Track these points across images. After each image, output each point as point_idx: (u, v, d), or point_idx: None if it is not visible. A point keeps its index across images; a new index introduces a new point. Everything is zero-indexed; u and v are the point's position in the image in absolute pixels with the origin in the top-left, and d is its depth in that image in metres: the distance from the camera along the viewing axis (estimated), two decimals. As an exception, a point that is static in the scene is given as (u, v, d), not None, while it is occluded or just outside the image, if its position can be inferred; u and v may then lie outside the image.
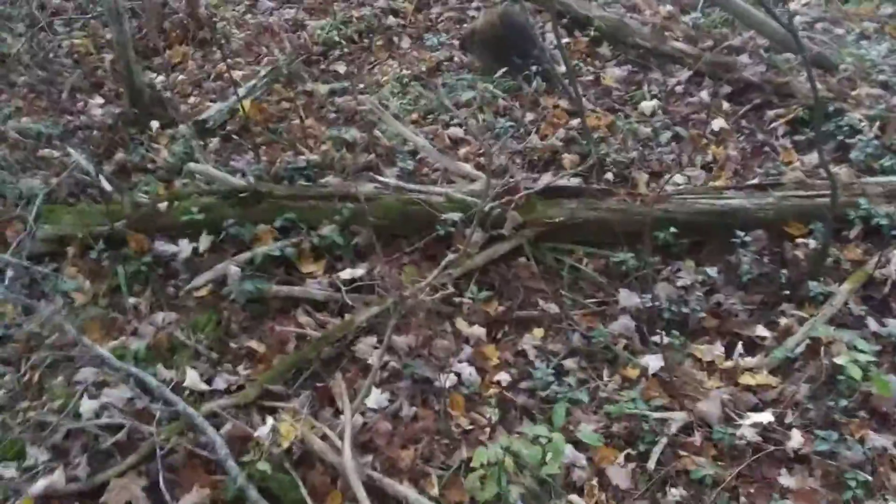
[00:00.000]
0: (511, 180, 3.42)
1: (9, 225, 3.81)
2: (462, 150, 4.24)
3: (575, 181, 3.80)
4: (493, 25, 4.95)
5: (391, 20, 5.76)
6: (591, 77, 4.87)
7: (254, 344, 3.12)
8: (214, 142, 4.56)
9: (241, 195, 3.60)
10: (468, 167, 3.73)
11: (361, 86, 5.05)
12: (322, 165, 4.18)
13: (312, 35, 5.72)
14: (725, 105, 4.39)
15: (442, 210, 3.47)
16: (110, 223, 3.62)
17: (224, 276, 3.38)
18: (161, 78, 5.40)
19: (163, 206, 3.66)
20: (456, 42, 5.45)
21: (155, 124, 4.67)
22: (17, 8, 6.41)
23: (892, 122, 3.89)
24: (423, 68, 5.13)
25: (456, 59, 5.22)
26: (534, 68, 4.69)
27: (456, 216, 3.45)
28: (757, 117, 4.28)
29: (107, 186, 3.88)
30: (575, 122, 4.36)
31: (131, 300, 3.41)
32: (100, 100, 5.18)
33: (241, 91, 4.88)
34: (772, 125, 4.16)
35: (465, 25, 5.63)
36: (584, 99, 4.50)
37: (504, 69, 4.78)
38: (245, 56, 5.63)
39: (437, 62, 5.21)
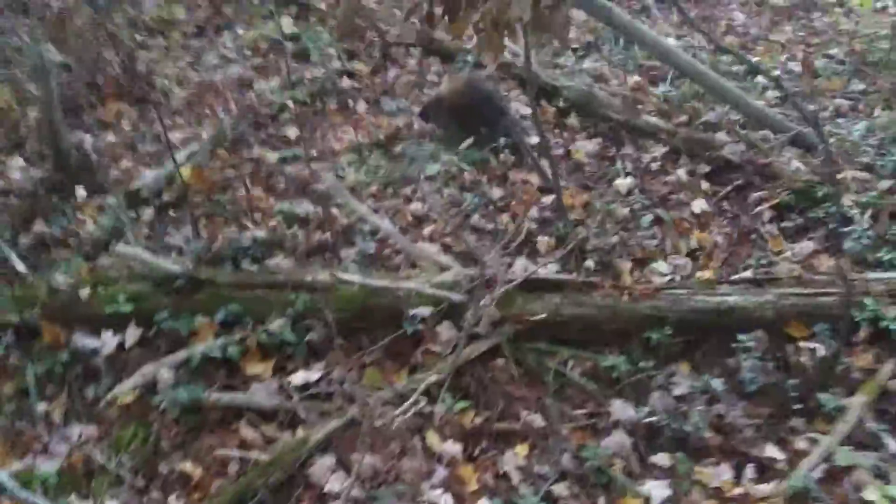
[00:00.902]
0: (487, 271, 3.05)
1: None
2: (427, 229, 3.86)
3: (552, 267, 3.47)
4: (458, 93, 4.63)
5: (346, 82, 5.40)
6: (560, 151, 4.58)
7: (188, 467, 2.65)
8: (148, 213, 4.08)
9: (177, 283, 3.15)
10: (438, 254, 3.34)
11: (314, 153, 4.65)
12: (271, 244, 3.74)
13: (260, 96, 5.32)
14: (705, 185, 4.12)
15: (409, 303, 3.07)
16: (20, 311, 3.12)
17: (154, 381, 2.90)
18: (91, 138, 4.91)
19: (84, 292, 3.17)
20: (415, 108, 5.11)
21: (81, 192, 4.18)
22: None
23: (884, 209, 3.66)
24: (381, 136, 4.76)
25: (416, 126, 4.87)
26: (502, 140, 4.39)
27: (425, 311, 3.06)
28: (740, 199, 4.02)
29: (19, 266, 3.38)
30: (548, 199, 4.04)
31: (42, 406, 2.91)
32: (20, 161, 4.66)
33: (181, 156, 4.43)
34: (757, 209, 3.89)
35: (425, 91, 5.31)
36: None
37: (470, 139, 4.45)
38: (186, 116, 5.18)
39: (396, 128, 4.85)
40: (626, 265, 3.54)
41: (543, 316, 3.03)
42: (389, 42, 5.82)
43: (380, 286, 3.12)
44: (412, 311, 3.06)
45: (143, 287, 3.18)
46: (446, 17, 2.44)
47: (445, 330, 3.06)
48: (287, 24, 6.33)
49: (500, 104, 4.69)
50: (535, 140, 4.59)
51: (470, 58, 5.39)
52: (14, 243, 3.87)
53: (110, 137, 4.95)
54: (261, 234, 3.81)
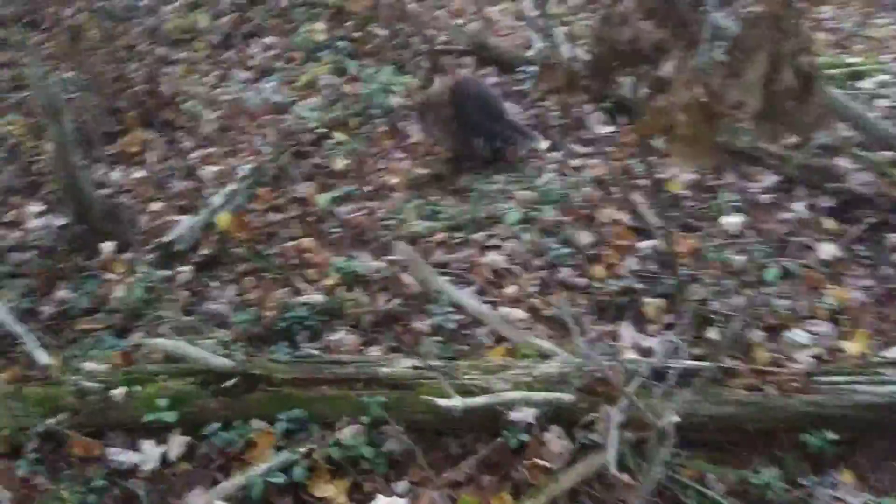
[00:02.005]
0: (606, 364, 2.49)
1: None
2: (510, 288, 3.29)
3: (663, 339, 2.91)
4: (444, 97, 4.12)
5: (395, 100, 4.81)
6: (646, 179, 3.98)
7: None
8: (185, 272, 3.55)
9: (228, 382, 2.62)
10: (540, 340, 2.78)
11: (368, 188, 4.09)
12: (329, 312, 3.20)
13: (300, 117, 4.75)
14: (829, 223, 3.52)
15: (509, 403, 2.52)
16: (42, 419, 2.62)
17: (207, 517, 2.38)
18: (116, 175, 4.39)
19: (118, 393, 2.65)
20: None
21: (107, 246, 3.66)
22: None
23: None
24: (442, 168, 4.19)
25: (481, 152, 4.29)
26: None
27: (529, 415, 2.51)
28: (874, 242, 3.42)
29: (41, 359, 2.86)
30: (646, 244, 3.47)
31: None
32: (38, 206, 4.14)
33: (218, 198, 3.91)
34: (899, 255, 3.30)
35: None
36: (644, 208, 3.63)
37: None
38: (219, 144, 4.63)
39: (455, 157, 4.27)
40: (758, 335, 2.95)
41: (675, 420, 2.46)
42: (438, 50, 5.23)
43: (474, 391, 2.56)
44: (513, 415, 2.51)
45: (187, 386, 2.65)
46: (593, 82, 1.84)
47: (555, 438, 2.51)
48: (320, 29, 5.78)
49: (494, 107, 4.20)
50: (543, 145, 4.17)
51: (532, 68, 4.78)
52: (34, 315, 3.37)
53: (137, 173, 4.42)
54: (317, 298, 3.27)
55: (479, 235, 3.62)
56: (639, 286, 3.21)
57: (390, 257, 3.33)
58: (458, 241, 3.62)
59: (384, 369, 2.65)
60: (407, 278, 3.23)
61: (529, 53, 4.84)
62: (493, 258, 3.46)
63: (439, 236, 3.62)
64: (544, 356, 2.70)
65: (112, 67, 5.25)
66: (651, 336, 3.00)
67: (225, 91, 5.22)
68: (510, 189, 3.89)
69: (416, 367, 2.65)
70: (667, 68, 1.62)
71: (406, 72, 5.13)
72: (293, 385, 2.64)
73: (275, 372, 2.66)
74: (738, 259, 3.33)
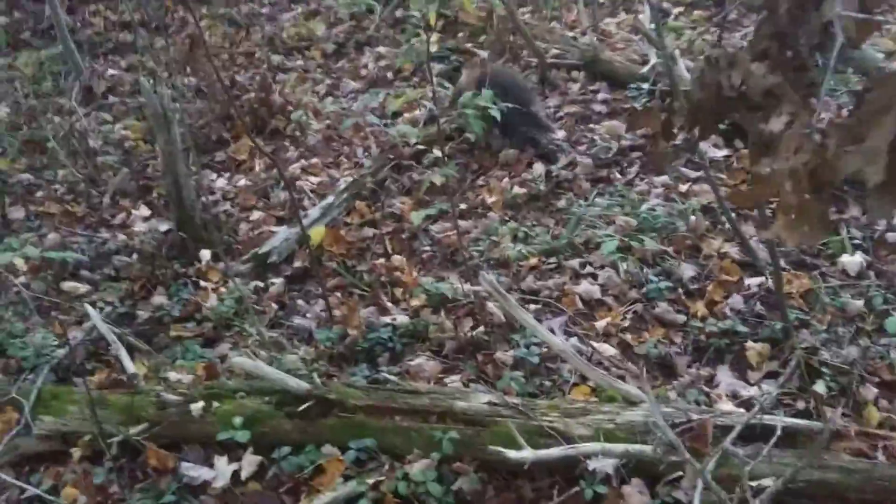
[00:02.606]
0: (697, 417, 2.31)
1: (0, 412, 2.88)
2: (600, 322, 3.13)
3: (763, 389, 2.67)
4: (470, 88, 4.03)
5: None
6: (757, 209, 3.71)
7: None
8: (277, 284, 3.57)
9: (304, 406, 2.58)
10: (626, 384, 2.61)
11: (463, 207, 4.01)
12: (413, 333, 3.14)
13: (403, 132, 4.71)
14: (963, 268, 3.18)
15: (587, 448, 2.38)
16: (124, 429, 2.66)
17: (270, 544, 2.36)
18: (222, 182, 4.49)
19: (197, 408, 2.67)
20: (579, 147, 4.39)
21: (206, 255, 3.73)
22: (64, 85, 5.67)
23: None
24: (542, 186, 4.05)
25: (581, 175, 4.14)
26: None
27: (608, 465, 2.35)
28: None
29: (128, 366, 2.92)
30: (754, 280, 3.23)
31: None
32: (145, 210, 4.28)
33: (315, 211, 3.91)
34: None
35: (590, 126, 4.55)
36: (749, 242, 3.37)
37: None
38: (322, 154, 4.67)
39: (556, 178, 4.13)
40: (871, 392, 2.68)
41: (769, 485, 2.25)
42: (548, 63, 5.09)
43: (552, 434, 2.43)
44: (591, 464, 2.36)
45: (263, 406, 2.64)
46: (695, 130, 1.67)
47: (635, 492, 2.34)
48: (432, 40, 5.73)
49: (521, 98, 4.11)
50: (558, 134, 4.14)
51: (646, 85, 4.58)
52: (131, 318, 3.46)
53: (242, 181, 4.50)
54: (402, 319, 3.21)
55: (573, 262, 3.47)
56: (742, 328, 2.98)
57: (475, 287, 3.22)
58: (550, 267, 3.49)
59: (460, 403, 2.55)
60: (493, 307, 3.12)
61: (644, 70, 4.62)
62: (587, 287, 3.31)
63: (532, 261, 3.50)
64: (629, 401, 2.53)
65: (227, 74, 5.38)
66: (751, 385, 2.77)
67: (334, 101, 5.25)
68: (610, 213, 3.71)
69: (492, 404, 2.54)
70: (776, 124, 1.43)
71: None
72: (367, 413, 2.58)
73: (349, 398, 2.61)
74: (856, 304, 3.05)
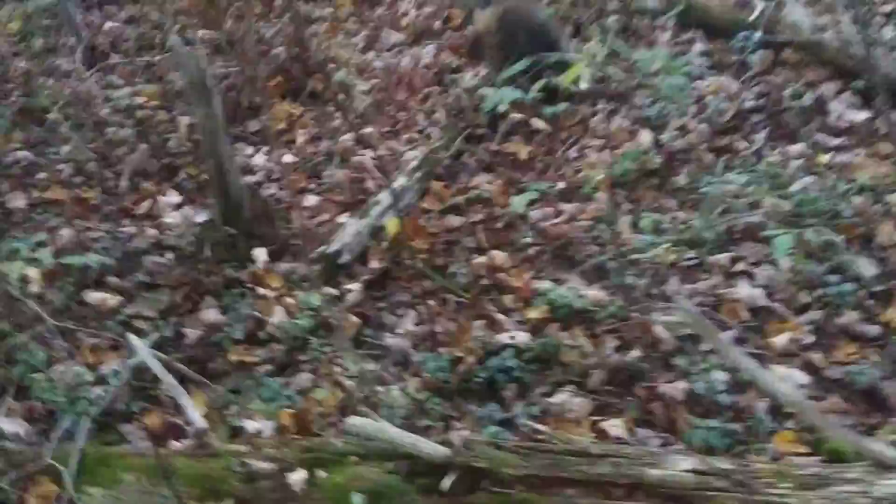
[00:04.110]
0: None
1: (32, 483, 2.21)
2: (780, 337, 2.50)
3: None
4: (493, 28, 3.82)
5: (585, 73, 4.00)
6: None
7: None
8: (355, 290, 2.91)
9: (444, 481, 1.95)
10: (876, 444, 2.00)
11: (561, 186, 3.34)
12: (541, 357, 2.51)
13: (469, 90, 4.00)
14: None
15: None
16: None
17: None
18: (260, 159, 3.78)
19: (297, 480, 2.03)
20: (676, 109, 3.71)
21: (261, 255, 3.05)
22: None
23: None
24: (656, 159, 3.38)
25: (698, 137, 3.48)
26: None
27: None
28: None
29: (193, 417, 2.26)
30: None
31: None
32: (174, 195, 3.57)
33: (384, 195, 3.23)
34: None
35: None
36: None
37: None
38: (376, 122, 3.95)
39: (669, 149, 3.47)
40: None
41: None
42: (632, 11, 4.37)
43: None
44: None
45: (388, 478, 2.01)
46: None
47: None
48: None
49: (545, 35, 3.78)
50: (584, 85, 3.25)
51: (759, 35, 3.88)
52: (178, 339, 2.80)
53: (286, 156, 3.79)
54: (522, 337, 2.58)
55: (720, 257, 2.83)
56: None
57: (608, 285, 2.58)
58: (692, 264, 2.85)
59: (653, 471, 1.93)
60: (660, 330, 2.48)
61: (751, 17, 3.93)
62: (749, 292, 2.68)
63: (669, 257, 2.85)
64: (880, 465, 1.92)
65: (248, 28, 4.62)
66: None
67: (377, 56, 4.52)
68: (751, 193, 3.06)
69: (697, 472, 1.92)
70: None
71: (590, 33, 4.30)
72: (527, 485, 1.95)
73: (502, 465, 1.97)
74: None
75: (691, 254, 2.87)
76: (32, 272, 2.87)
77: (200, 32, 4.71)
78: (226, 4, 4.72)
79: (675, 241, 2.91)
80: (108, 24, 5.14)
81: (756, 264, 2.79)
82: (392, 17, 4.92)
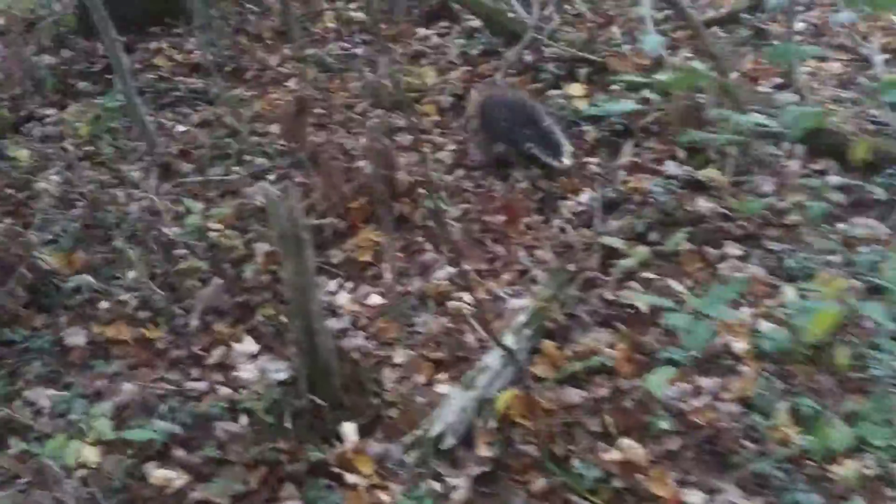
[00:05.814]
0: None
1: None
2: None
3: None
4: (477, 111, 4.14)
5: (701, 204, 3.59)
6: None
7: None
8: (462, 488, 2.44)
9: None
10: None
11: (694, 354, 2.87)
12: None
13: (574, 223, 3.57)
14: None
15: None
16: None
17: None
18: (344, 298, 3.38)
19: None
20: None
21: (350, 431, 2.62)
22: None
23: None
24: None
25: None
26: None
27: None
28: None
29: None
30: None
31: None
32: (250, 343, 3.17)
33: (492, 359, 2.80)
34: None
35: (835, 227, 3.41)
36: None
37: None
38: (471, 257, 3.54)
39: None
40: None
41: None
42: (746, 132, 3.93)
43: None
44: None
45: None
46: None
47: None
48: (577, 90, 4.66)
49: (525, 114, 3.96)
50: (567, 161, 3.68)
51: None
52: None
53: (371, 296, 3.38)
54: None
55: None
56: None
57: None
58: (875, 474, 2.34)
59: None
60: None
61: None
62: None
63: (853, 467, 2.34)
64: None
65: (331, 139, 4.31)
66: None
67: (466, 175, 4.15)
68: None
69: None
70: None
71: (714, 165, 3.88)
72: None
73: None
74: None
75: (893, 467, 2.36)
76: (89, 451, 2.47)
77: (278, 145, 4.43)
78: (306, 109, 4.44)
79: (854, 445, 2.40)
80: (179, 128, 4.87)
81: None
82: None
